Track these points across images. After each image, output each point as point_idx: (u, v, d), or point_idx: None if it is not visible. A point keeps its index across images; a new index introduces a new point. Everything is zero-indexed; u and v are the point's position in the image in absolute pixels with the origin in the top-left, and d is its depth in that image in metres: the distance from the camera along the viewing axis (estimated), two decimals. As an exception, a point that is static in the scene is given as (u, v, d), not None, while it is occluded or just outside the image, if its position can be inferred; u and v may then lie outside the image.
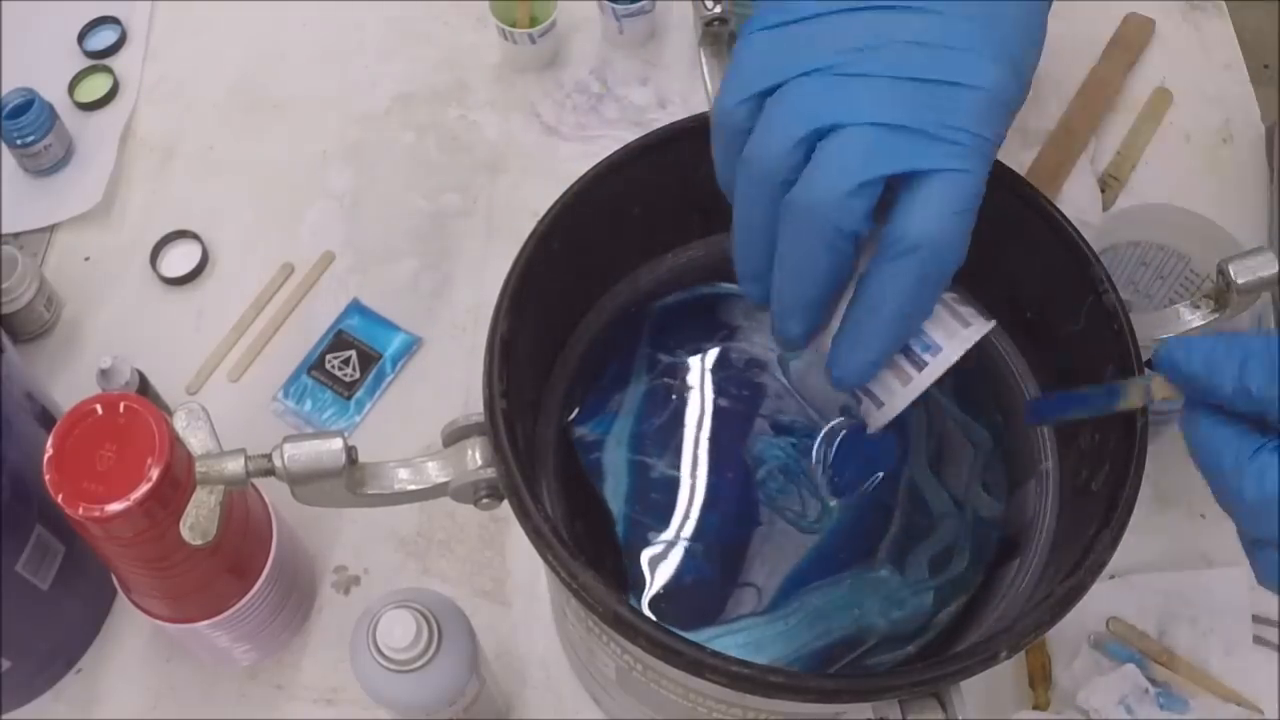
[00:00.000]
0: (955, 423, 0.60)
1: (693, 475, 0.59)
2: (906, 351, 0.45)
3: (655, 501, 0.58)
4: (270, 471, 0.47)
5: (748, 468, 0.59)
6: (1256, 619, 0.73)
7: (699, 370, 0.61)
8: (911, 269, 0.41)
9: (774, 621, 0.56)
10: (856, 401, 0.48)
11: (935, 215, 0.40)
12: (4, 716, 0.72)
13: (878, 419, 0.47)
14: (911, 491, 0.59)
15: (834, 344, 0.45)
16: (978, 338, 0.45)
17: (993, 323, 0.46)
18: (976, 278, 0.60)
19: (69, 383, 0.82)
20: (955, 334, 0.45)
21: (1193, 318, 0.54)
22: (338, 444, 0.47)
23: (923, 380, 0.45)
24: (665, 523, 0.58)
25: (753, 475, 0.59)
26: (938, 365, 0.44)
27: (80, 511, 0.54)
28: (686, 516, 0.58)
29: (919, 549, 0.57)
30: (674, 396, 0.61)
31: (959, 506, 0.59)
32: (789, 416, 0.60)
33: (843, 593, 0.56)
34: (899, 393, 0.46)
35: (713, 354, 0.62)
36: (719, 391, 0.61)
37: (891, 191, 0.41)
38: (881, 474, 0.59)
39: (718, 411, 0.60)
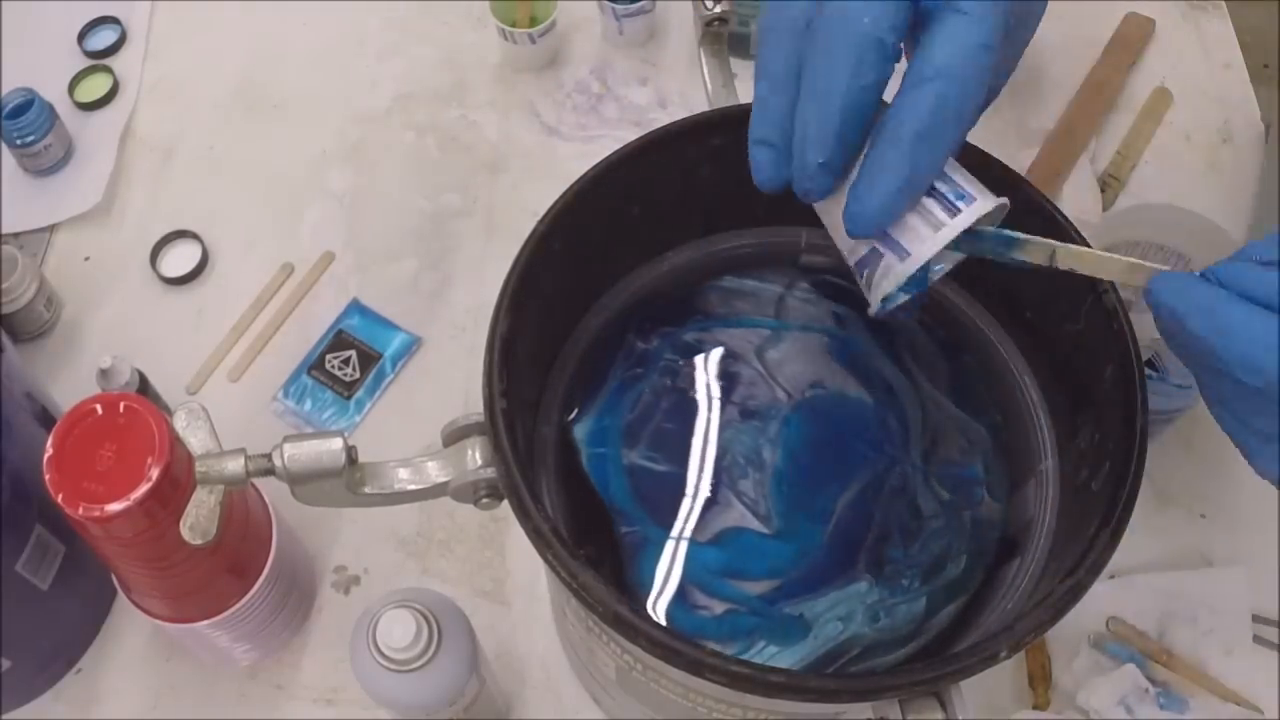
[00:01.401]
0: (953, 421, 0.60)
1: (660, 465, 0.58)
2: (936, 196, 0.43)
3: (619, 494, 0.57)
4: (270, 471, 0.48)
5: (713, 456, 0.58)
6: (1256, 619, 0.73)
7: (670, 361, 0.61)
8: (931, 95, 0.41)
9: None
10: (873, 261, 0.44)
11: (958, 47, 0.41)
12: (4, 716, 0.72)
13: (898, 273, 0.44)
14: (900, 493, 0.58)
15: (854, 184, 0.43)
16: (1004, 202, 0.44)
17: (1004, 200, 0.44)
18: (977, 278, 0.60)
19: (69, 383, 0.82)
20: (985, 192, 0.43)
21: (1193, 318, 0.54)
22: (338, 444, 0.47)
23: (957, 225, 0.42)
24: (628, 515, 0.57)
25: (721, 463, 0.58)
26: (971, 212, 0.42)
27: (80, 511, 0.54)
28: (653, 510, 0.57)
29: (908, 555, 0.56)
30: (645, 389, 0.60)
31: (954, 508, 0.58)
32: (757, 402, 0.60)
33: (826, 604, 0.55)
34: (928, 239, 0.43)
35: (684, 343, 0.61)
36: (691, 382, 0.60)
37: (919, 30, 0.42)
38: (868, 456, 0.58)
39: (687, 401, 0.60)
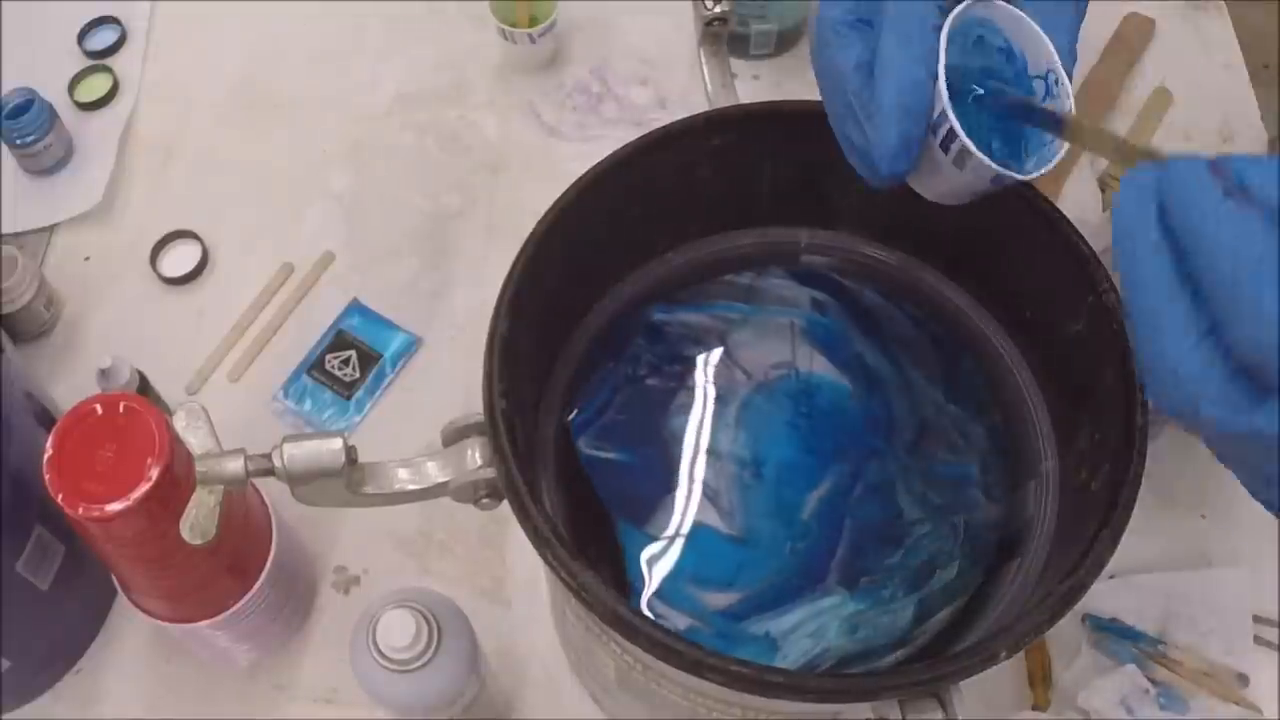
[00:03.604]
0: (946, 415, 0.60)
1: (612, 455, 0.58)
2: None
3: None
4: (270, 471, 0.48)
5: (667, 443, 0.58)
6: (1257, 619, 0.73)
7: (637, 348, 0.60)
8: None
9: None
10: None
11: None
12: (4, 716, 0.72)
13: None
14: (880, 490, 0.57)
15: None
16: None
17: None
18: (977, 278, 0.60)
19: (69, 383, 0.82)
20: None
21: (1193, 318, 0.54)
22: (337, 444, 0.47)
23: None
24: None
25: (677, 450, 0.57)
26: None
27: (80, 511, 0.54)
28: (615, 503, 0.57)
29: (887, 564, 0.55)
30: (611, 380, 0.59)
31: (943, 512, 0.57)
32: (715, 384, 0.59)
33: (795, 620, 0.54)
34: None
35: (650, 325, 0.61)
36: (650, 369, 0.60)
37: None
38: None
39: (644, 389, 0.59)
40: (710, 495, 0.56)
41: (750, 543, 0.55)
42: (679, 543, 0.56)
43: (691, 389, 0.59)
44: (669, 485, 0.56)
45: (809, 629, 0.54)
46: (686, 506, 0.56)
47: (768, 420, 0.58)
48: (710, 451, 0.57)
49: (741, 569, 0.55)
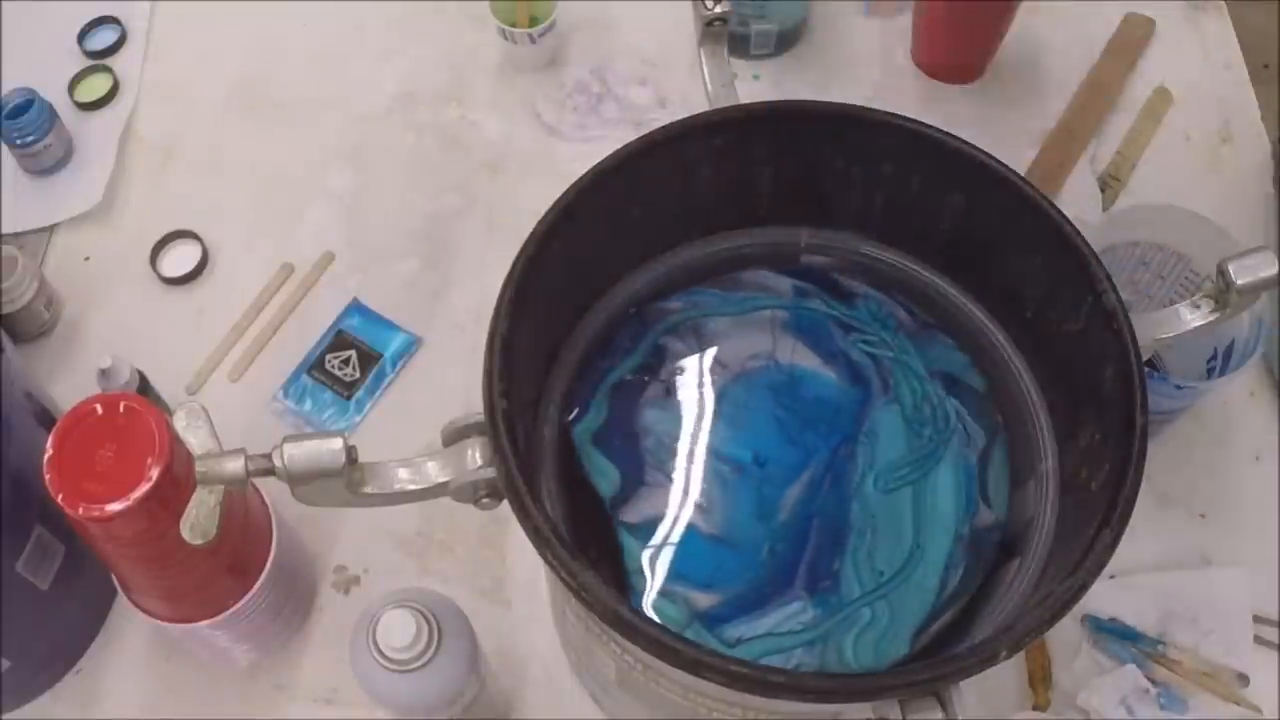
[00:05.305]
0: (937, 403, 0.59)
1: (610, 452, 0.58)
2: None
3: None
4: (270, 471, 0.47)
5: (642, 437, 0.58)
6: (1257, 619, 0.73)
7: (620, 342, 0.60)
8: None
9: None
10: None
11: None
12: (4, 716, 0.72)
13: None
14: (862, 486, 0.56)
15: None
16: None
17: None
18: (977, 277, 0.60)
19: (69, 383, 0.82)
20: None
21: (1193, 318, 0.54)
22: (337, 444, 0.47)
23: None
24: None
25: (644, 444, 0.57)
26: None
27: (80, 511, 0.54)
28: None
29: (859, 564, 0.55)
30: (597, 380, 0.59)
31: (936, 514, 0.56)
32: (686, 376, 0.59)
33: (769, 626, 0.53)
34: None
35: (628, 317, 0.60)
36: (632, 363, 0.60)
37: None
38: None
39: (629, 384, 0.59)
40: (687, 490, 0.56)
41: (731, 545, 0.55)
42: (665, 541, 0.55)
43: (667, 381, 0.59)
44: (654, 481, 0.56)
45: (781, 645, 0.53)
46: (666, 502, 0.56)
47: (745, 412, 0.57)
48: (687, 446, 0.57)
49: (721, 570, 0.55)
